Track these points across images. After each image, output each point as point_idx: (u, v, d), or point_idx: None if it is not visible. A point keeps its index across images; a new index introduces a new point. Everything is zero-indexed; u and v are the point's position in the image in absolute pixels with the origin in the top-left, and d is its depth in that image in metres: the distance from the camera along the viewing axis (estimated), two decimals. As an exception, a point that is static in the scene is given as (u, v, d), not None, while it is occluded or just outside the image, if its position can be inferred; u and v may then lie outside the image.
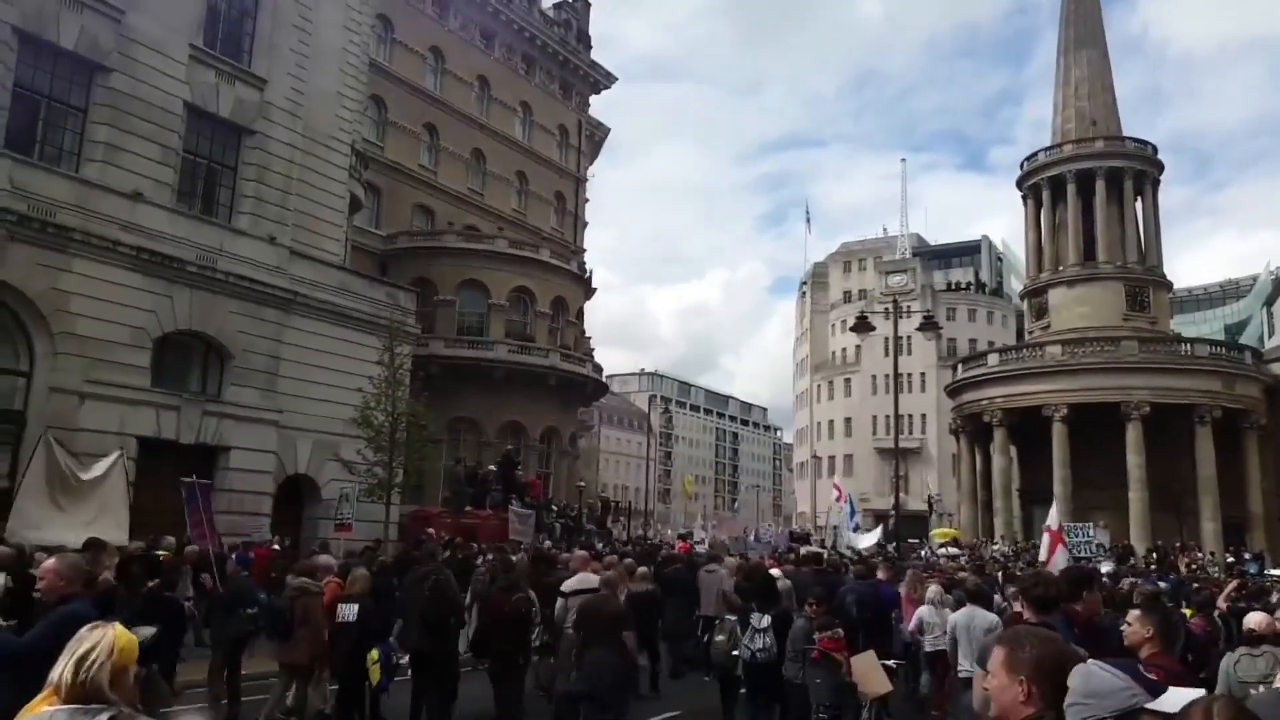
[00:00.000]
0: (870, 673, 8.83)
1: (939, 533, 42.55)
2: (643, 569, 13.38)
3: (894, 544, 31.53)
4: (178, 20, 20.38)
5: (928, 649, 11.23)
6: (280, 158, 22.39)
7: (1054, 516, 27.01)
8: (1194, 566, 29.66)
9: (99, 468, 12.51)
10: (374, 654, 8.78)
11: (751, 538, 33.74)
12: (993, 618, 9.55)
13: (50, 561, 5.72)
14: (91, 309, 18.01)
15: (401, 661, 9.52)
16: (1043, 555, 24.84)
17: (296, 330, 22.11)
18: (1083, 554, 26.67)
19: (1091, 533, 28.06)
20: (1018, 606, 6.63)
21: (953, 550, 33.16)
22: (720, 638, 10.50)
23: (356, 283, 24.91)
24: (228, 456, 20.36)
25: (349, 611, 8.91)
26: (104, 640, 2.93)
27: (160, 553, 12.91)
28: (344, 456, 20.92)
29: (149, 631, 4.68)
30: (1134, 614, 5.15)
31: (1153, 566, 28.72)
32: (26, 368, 17.54)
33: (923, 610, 11.45)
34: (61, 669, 2.86)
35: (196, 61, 20.78)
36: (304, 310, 22.33)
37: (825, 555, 19.94)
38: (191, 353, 20.49)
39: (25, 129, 18.15)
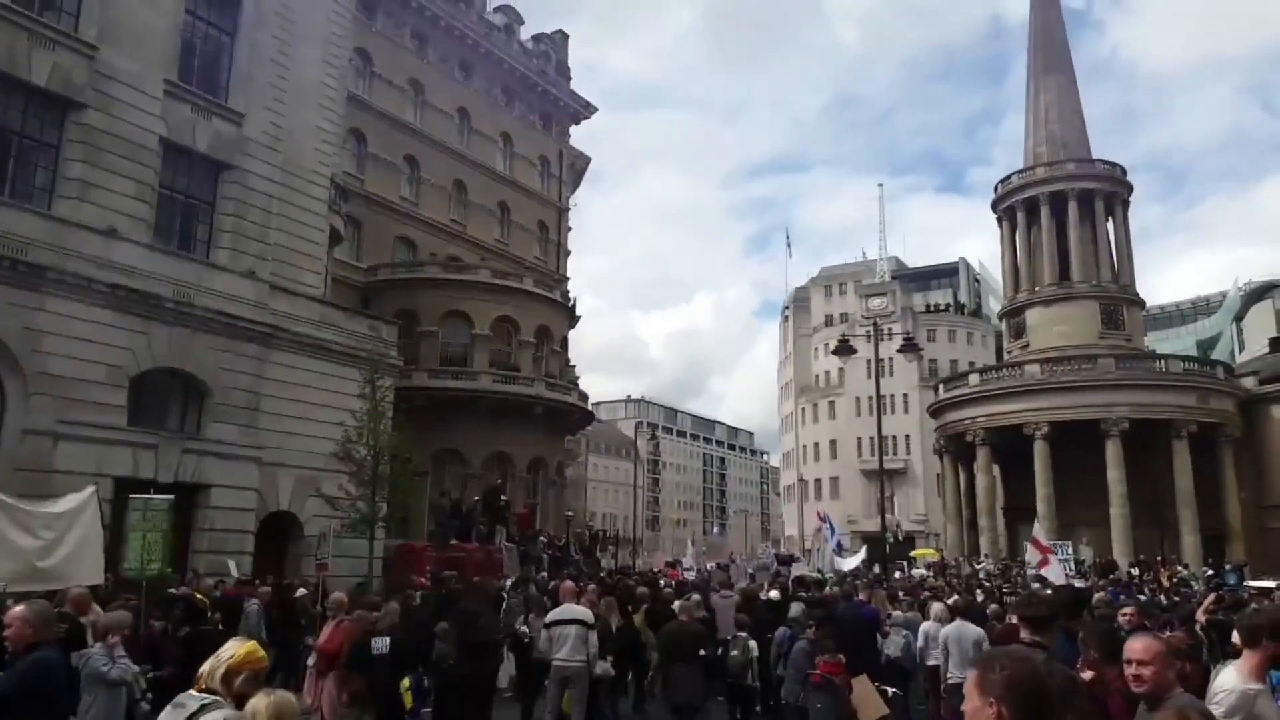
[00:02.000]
0: (867, 697, 8.80)
1: (919, 553, 42.65)
2: (696, 597, 13.63)
3: (878, 566, 31.46)
4: (152, 56, 20.29)
5: (930, 663, 11.64)
6: (259, 192, 22.26)
7: (1039, 528, 27.26)
8: (1175, 580, 29.70)
9: (65, 504, 12.16)
10: (406, 682, 9.54)
11: (747, 566, 33.60)
12: (979, 631, 10.63)
13: (18, 609, 5.56)
14: (66, 348, 17.74)
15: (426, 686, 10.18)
16: (1032, 567, 24.90)
17: (277, 365, 21.87)
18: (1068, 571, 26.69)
19: (1070, 550, 28.17)
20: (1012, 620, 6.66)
21: (918, 572, 33.16)
22: (735, 652, 11.67)
23: (337, 316, 24.72)
24: (208, 495, 20.04)
25: (382, 644, 9.48)
26: (228, 650, 4.24)
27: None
28: (326, 492, 20.62)
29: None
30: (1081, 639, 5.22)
31: (1135, 581, 28.72)
32: (-2, 409, 17.25)
33: (927, 626, 11.92)
34: (205, 667, 4.20)
35: (172, 97, 20.68)
36: (284, 345, 22.11)
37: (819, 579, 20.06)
38: (170, 390, 20.21)
39: (-4, 167, 17.97)
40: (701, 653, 10.97)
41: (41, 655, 5.21)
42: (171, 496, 13.27)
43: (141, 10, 20.11)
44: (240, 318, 20.93)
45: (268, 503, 21.37)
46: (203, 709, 4.01)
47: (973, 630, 10.75)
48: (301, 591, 16.36)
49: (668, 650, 11.12)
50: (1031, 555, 24.55)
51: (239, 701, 3.89)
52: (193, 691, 4.16)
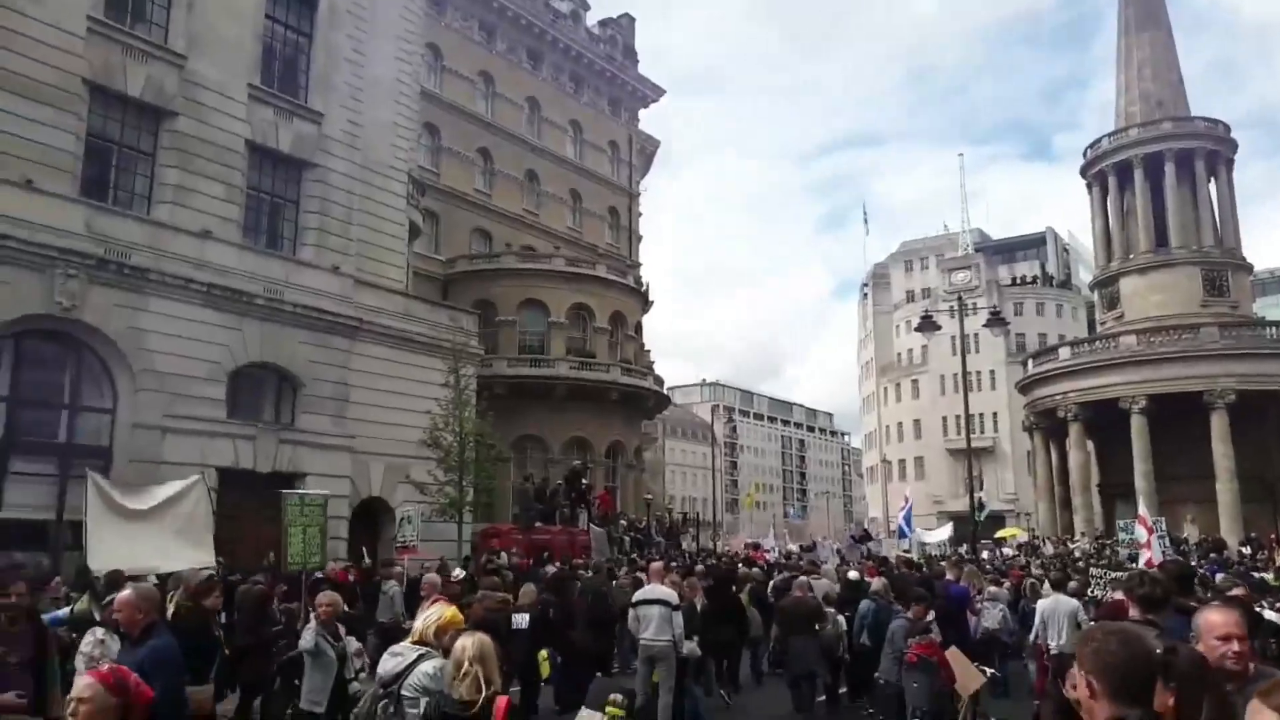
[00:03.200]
0: (964, 668, 8.80)
1: (1005, 532, 41.72)
2: (803, 578, 14.20)
3: (965, 545, 30.91)
4: (236, 62, 21.03)
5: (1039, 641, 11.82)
6: (340, 189, 22.90)
7: (1142, 505, 26.48)
8: (1289, 558, 28.39)
9: (170, 490, 12.76)
10: (544, 653, 10.49)
11: (834, 545, 33.45)
12: (1075, 603, 11.03)
13: (124, 593, 5.68)
14: (168, 345, 18.60)
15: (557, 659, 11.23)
16: (1126, 544, 24.29)
17: (364, 356, 22.54)
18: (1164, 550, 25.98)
19: (1165, 527, 27.39)
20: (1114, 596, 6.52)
21: (1007, 550, 32.53)
22: (828, 627, 12.37)
23: (419, 307, 25.33)
24: (304, 483, 20.73)
25: (521, 620, 10.58)
26: (435, 611, 5.31)
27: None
28: (415, 478, 21.21)
29: None
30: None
31: (1246, 560, 27.60)
32: (110, 405, 18.19)
33: (1042, 604, 11.93)
34: (417, 625, 5.26)
35: (256, 100, 21.40)
36: (370, 337, 22.77)
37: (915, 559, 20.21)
38: (264, 383, 21.02)
39: (98, 176, 18.90)
40: (816, 627, 11.97)
41: (156, 643, 5.22)
42: (327, 493, 13.83)
43: (224, 19, 20.84)
44: (328, 312, 21.61)
45: (359, 490, 22.06)
46: (420, 658, 4.94)
47: (1068, 603, 10.99)
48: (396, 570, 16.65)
49: (786, 624, 12.13)
50: (1140, 532, 23.77)
51: (445, 653, 4.78)
52: (407, 644, 5.17)
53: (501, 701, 4.24)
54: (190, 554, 11.92)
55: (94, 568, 11.49)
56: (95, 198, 18.44)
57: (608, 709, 4.20)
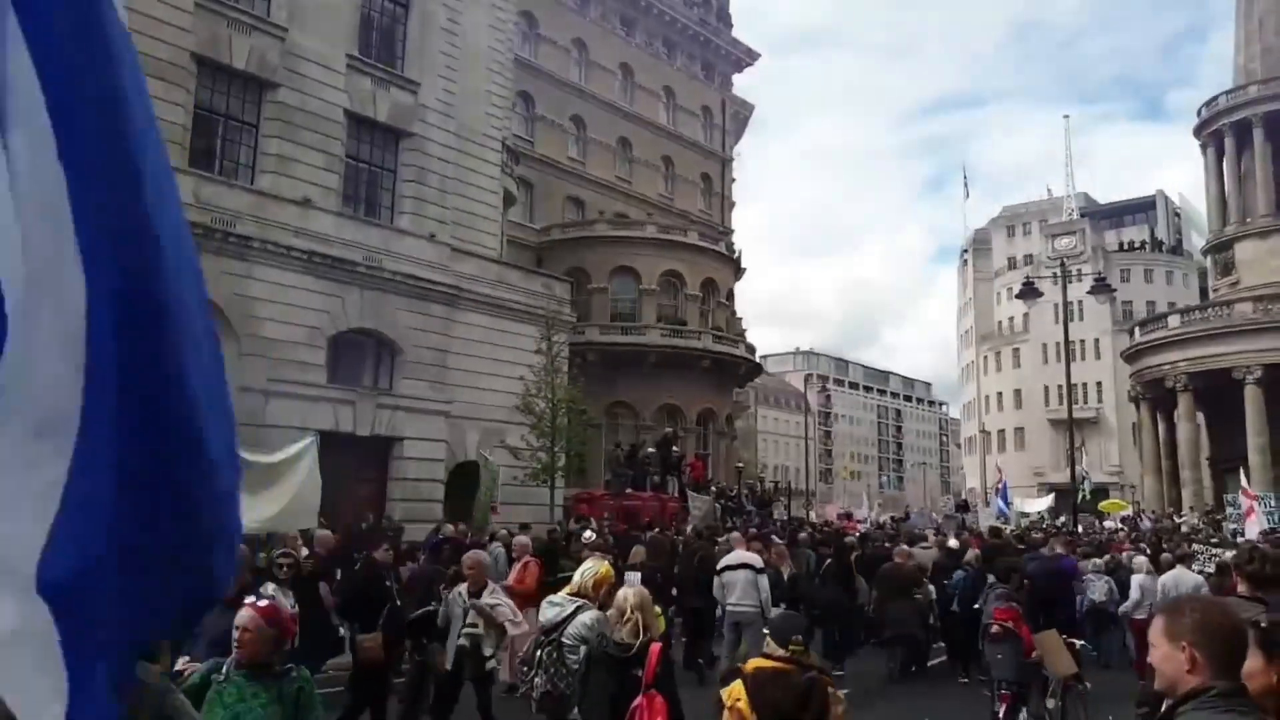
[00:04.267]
0: (1055, 652, 8.47)
1: (1108, 505, 40.22)
2: (904, 546, 14.46)
3: (1064, 518, 29.95)
4: (335, 33, 21.46)
5: (1138, 615, 11.64)
6: (436, 158, 23.25)
7: (1244, 479, 25.48)
8: None
9: (286, 453, 13.22)
10: (659, 611, 10.74)
11: (933, 516, 33.02)
12: (1198, 578, 10.89)
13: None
14: (272, 312, 19.28)
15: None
16: (1235, 520, 23.71)
17: (460, 323, 22.97)
18: (1273, 524, 24.91)
19: (1275, 502, 26.14)
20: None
21: (1109, 524, 31.37)
22: (918, 595, 12.56)
23: (514, 275, 25.63)
24: (401, 446, 21.38)
25: (634, 578, 10.66)
26: (590, 569, 5.79)
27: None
28: (510, 443, 21.59)
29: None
30: None
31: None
32: (218, 369, 18.95)
33: (1141, 579, 12.04)
34: (575, 579, 5.74)
35: (354, 70, 21.84)
36: (466, 304, 23.17)
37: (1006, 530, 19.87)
38: (363, 349, 21.62)
39: (205, 147, 19.62)
40: (916, 594, 12.26)
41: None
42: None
43: (325, -10, 21.24)
44: (425, 279, 22.05)
45: (455, 454, 22.57)
46: (578, 609, 5.45)
47: (1191, 577, 10.89)
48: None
49: (885, 589, 12.35)
50: (1244, 503, 23.07)
51: (601, 606, 5.39)
52: (565, 594, 5.68)
53: (655, 647, 4.70)
54: (299, 516, 12.37)
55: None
56: (202, 168, 19.14)
57: (791, 647, 4.08)
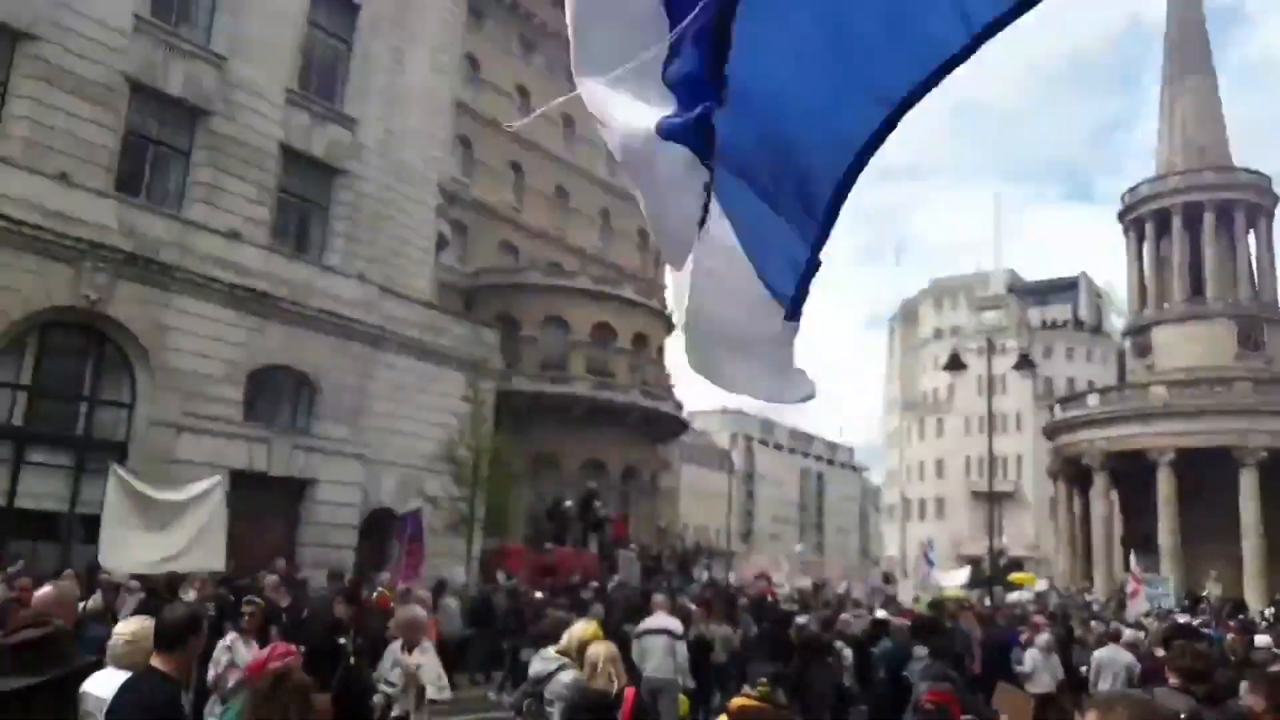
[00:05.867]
0: (1013, 701, 8.72)
1: (1016, 578, 41.01)
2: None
3: (977, 591, 30.34)
4: (275, 65, 21.19)
5: (1033, 690, 11.89)
6: (370, 196, 22.96)
7: (1134, 564, 26.64)
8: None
9: (190, 491, 12.64)
10: None
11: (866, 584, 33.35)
12: (1130, 657, 11.34)
13: (44, 590, 6.01)
14: (189, 344, 18.61)
15: None
16: (1130, 595, 24.67)
17: (384, 365, 22.47)
18: (1162, 604, 25.77)
19: (1161, 586, 27.24)
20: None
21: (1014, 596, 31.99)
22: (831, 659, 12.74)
23: (442, 319, 25.26)
24: (315, 489, 20.68)
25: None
26: (578, 629, 6.18)
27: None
28: (428, 491, 21.06)
29: None
30: (1244, 686, 5.02)
31: (1267, 622, 26.88)
32: (129, 400, 18.19)
33: (1033, 653, 12.59)
34: (564, 639, 6.16)
35: (292, 104, 21.54)
36: (392, 346, 22.70)
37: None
38: (282, 387, 20.97)
39: (133, 171, 19.04)
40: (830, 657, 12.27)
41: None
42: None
43: (268, 23, 21.04)
44: (350, 318, 21.57)
45: (370, 499, 21.92)
46: (561, 668, 5.88)
47: (1125, 656, 11.30)
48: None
49: (802, 655, 12.17)
50: (1130, 585, 24.13)
51: (581, 666, 5.68)
52: (552, 651, 6.12)
53: (630, 691, 5.39)
54: (203, 557, 11.78)
55: (105, 565, 11.41)
56: (129, 193, 18.55)
57: (758, 688, 4.78)
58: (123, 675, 4.06)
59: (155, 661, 3.89)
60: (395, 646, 7.47)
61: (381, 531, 22.23)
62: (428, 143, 25.20)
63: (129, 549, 11.82)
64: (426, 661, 7.19)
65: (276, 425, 20.48)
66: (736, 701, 4.77)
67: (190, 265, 18.74)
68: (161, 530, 12.37)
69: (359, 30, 23.37)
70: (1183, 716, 2.57)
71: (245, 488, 18.59)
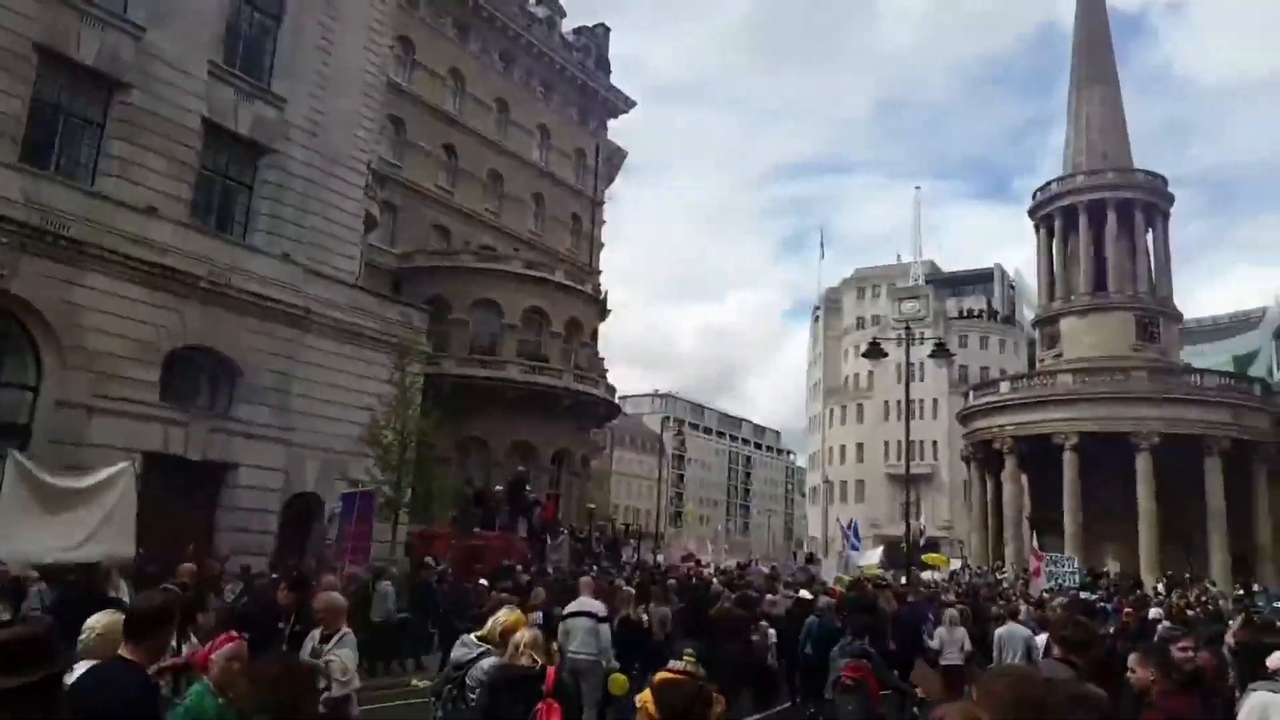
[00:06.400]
0: (927, 678, 9.30)
1: (928, 558, 42.43)
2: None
3: (893, 571, 31.33)
4: (198, 38, 20.58)
5: (944, 663, 12.67)
6: (298, 176, 22.50)
7: (1034, 541, 27.99)
8: (1203, 599, 29.26)
9: (96, 476, 12.32)
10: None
11: (789, 567, 34.06)
12: (1027, 632, 11.93)
13: None
14: (102, 323, 18.01)
15: None
16: (1032, 573, 25.70)
17: (308, 348, 22.07)
18: (1066, 583, 26.96)
19: (1067, 564, 28.50)
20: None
21: (926, 575, 33.19)
22: (756, 638, 13.71)
23: (370, 301, 24.92)
24: (235, 474, 20.29)
25: (537, 617, 10.70)
26: (502, 615, 6.16)
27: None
28: (352, 475, 20.84)
29: None
30: (1133, 658, 5.35)
31: (1159, 599, 28.39)
32: (34, 382, 17.51)
33: (941, 630, 13.14)
34: (487, 626, 6.11)
35: (216, 79, 20.95)
36: (316, 328, 22.30)
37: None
38: (201, 369, 20.46)
39: (42, 143, 18.31)
40: (755, 636, 13.24)
41: None
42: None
43: (191, -8, 20.37)
44: (274, 300, 21.14)
45: (293, 484, 21.61)
46: (482, 654, 5.92)
47: (1022, 631, 11.97)
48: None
49: (715, 632, 12.80)
50: (1032, 563, 25.32)
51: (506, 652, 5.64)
52: (474, 637, 6.13)
53: (552, 669, 5.49)
54: (110, 544, 11.50)
55: (0, 556, 11.07)
56: (37, 165, 17.84)
57: (685, 657, 5.03)
58: None
59: (124, 651, 3.90)
60: (315, 634, 7.33)
61: (304, 517, 21.98)
62: (358, 123, 24.74)
63: (27, 538, 11.48)
64: (339, 653, 6.99)
65: (195, 408, 20.02)
66: (660, 675, 4.97)
67: (103, 241, 18.09)
68: (62, 518, 12.01)
69: (288, 6, 22.81)
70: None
71: (161, 472, 18.20)
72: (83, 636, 4.37)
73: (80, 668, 4.00)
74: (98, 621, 4.42)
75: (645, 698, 4.79)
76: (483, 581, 16.71)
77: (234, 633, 4.56)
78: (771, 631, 14.09)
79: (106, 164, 19.02)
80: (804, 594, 16.50)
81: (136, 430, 18.18)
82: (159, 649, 4.10)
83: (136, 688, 3.77)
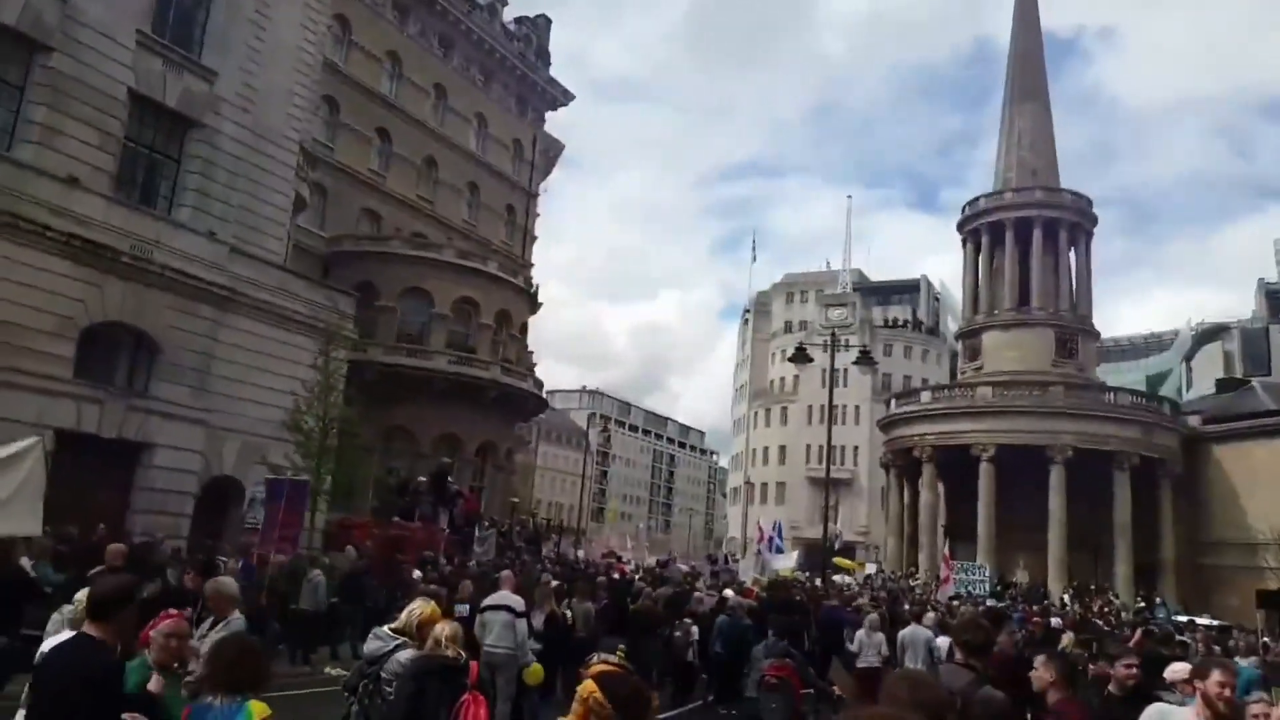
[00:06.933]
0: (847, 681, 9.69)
1: (840, 562, 43.35)
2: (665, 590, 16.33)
3: (810, 573, 31.97)
4: (127, 6, 19.95)
5: (860, 665, 12.84)
6: (226, 152, 21.97)
7: (945, 549, 28.84)
8: (1106, 610, 30.52)
9: (3, 452, 11.88)
10: None
11: (710, 567, 34.43)
12: (928, 633, 12.45)
13: None
14: (14, 294, 17.34)
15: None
16: (942, 580, 26.50)
17: (231, 329, 21.58)
18: (975, 590, 27.87)
19: (978, 572, 29.43)
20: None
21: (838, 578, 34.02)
22: (678, 634, 14.44)
23: (296, 283, 24.45)
24: (151, 454, 19.75)
25: (463, 609, 11.02)
26: (418, 608, 6.00)
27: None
28: (272, 460, 20.43)
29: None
30: (1039, 660, 5.63)
31: (1066, 608, 29.52)
32: (-59, 352, 16.85)
33: (860, 633, 13.50)
34: (401, 619, 5.94)
35: (144, 49, 20.33)
36: (240, 308, 21.81)
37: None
38: (120, 346, 19.85)
39: (-44, 105, 17.57)
40: (678, 633, 13.82)
41: None
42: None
43: (119, -43, 19.72)
44: (198, 278, 20.61)
45: (211, 467, 21.13)
46: (398, 647, 5.75)
47: (924, 633, 12.47)
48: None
49: (634, 628, 13.33)
50: (942, 571, 26.07)
51: (422, 644, 5.62)
52: (388, 629, 5.96)
53: (474, 663, 5.58)
54: (15, 523, 11.10)
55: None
56: (-50, 128, 17.14)
57: (619, 652, 5.01)
58: None
59: (89, 629, 4.11)
60: (207, 622, 7.12)
61: (222, 500, 21.50)
62: (291, 101, 24.24)
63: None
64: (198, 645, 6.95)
65: (112, 386, 19.41)
66: (597, 667, 4.95)
67: (20, 210, 17.45)
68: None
69: (222, -23, 22.26)
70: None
71: (74, 450, 17.64)
72: (71, 607, 4.73)
73: (62, 636, 4.28)
74: (87, 595, 4.65)
75: (589, 688, 4.79)
76: (417, 573, 16.63)
77: (173, 610, 4.63)
78: (695, 629, 14.56)
79: (26, 130, 18.32)
80: (728, 593, 16.88)
81: (48, 406, 17.59)
82: (122, 630, 4.29)
83: (101, 665, 3.98)
